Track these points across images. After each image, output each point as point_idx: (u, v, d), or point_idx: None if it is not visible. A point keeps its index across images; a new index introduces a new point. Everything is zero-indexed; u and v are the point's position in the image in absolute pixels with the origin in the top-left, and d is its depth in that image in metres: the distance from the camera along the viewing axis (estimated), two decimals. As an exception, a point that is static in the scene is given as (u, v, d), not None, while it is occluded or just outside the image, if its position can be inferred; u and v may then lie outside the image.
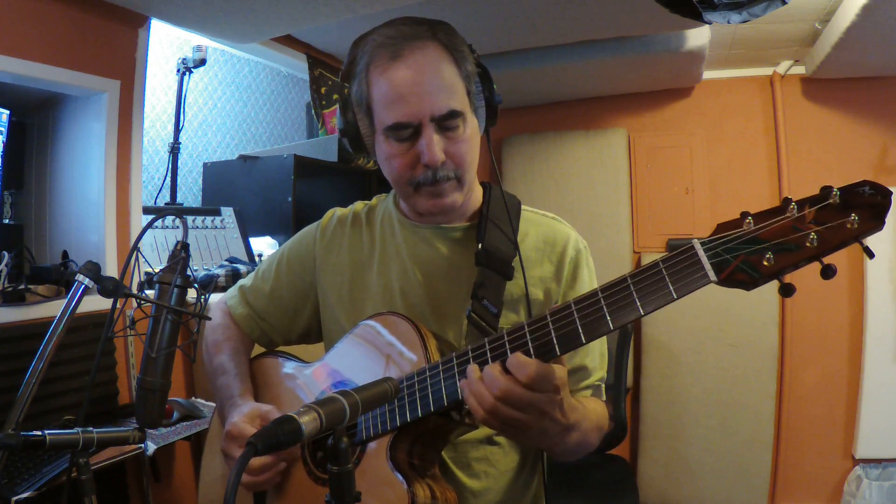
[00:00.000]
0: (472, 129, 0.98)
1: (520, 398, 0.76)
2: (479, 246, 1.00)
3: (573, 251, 1.05)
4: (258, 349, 1.24)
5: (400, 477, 0.87)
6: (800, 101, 3.02)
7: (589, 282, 1.06)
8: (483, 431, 1.00)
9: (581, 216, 3.16)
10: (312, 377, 1.07)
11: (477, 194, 1.09)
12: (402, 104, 0.92)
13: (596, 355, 1.05)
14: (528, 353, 0.80)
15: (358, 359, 1.00)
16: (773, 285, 0.68)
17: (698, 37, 2.43)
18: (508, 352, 0.82)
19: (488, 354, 0.83)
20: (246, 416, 0.99)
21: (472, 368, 0.80)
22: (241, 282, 1.25)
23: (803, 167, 3.00)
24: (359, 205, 1.19)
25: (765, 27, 2.47)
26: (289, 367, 1.13)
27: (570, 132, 3.25)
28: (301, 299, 1.17)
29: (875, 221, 0.62)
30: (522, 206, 1.10)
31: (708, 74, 3.03)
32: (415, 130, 0.94)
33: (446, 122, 0.94)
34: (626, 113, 3.25)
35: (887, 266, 2.82)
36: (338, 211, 1.19)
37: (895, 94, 2.86)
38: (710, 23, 1.53)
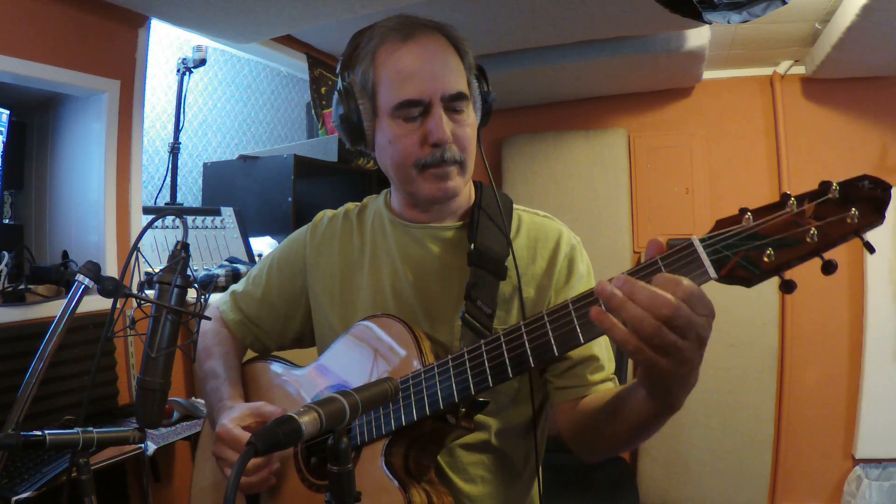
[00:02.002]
0: (473, 118, 1.00)
1: (688, 319, 0.65)
2: (472, 246, 0.99)
3: (567, 247, 1.04)
4: (250, 354, 1.23)
5: (395, 481, 0.86)
6: (800, 101, 3.02)
7: (587, 276, 1.05)
8: (478, 437, 1.00)
9: (581, 216, 3.15)
10: (305, 381, 1.07)
11: (469, 193, 1.09)
12: (414, 82, 0.93)
13: (603, 347, 1.01)
14: (524, 355, 0.79)
15: (351, 361, 0.99)
16: (774, 285, 0.68)
17: (698, 37, 2.43)
18: (505, 353, 0.81)
19: (484, 356, 0.83)
20: (236, 417, 0.98)
21: (610, 291, 0.67)
22: (232, 287, 1.25)
23: (803, 167, 3.00)
24: (349, 205, 1.18)
25: (765, 27, 2.47)
26: (281, 370, 1.13)
27: (570, 132, 3.25)
28: (293, 303, 1.16)
29: (875, 215, 0.62)
30: (514, 205, 1.09)
31: (708, 74, 3.03)
32: (424, 109, 0.94)
33: (454, 102, 0.95)
34: (626, 113, 3.25)
35: (887, 266, 2.82)
36: (328, 212, 1.18)
37: (895, 94, 2.87)
38: (710, 23, 1.53)
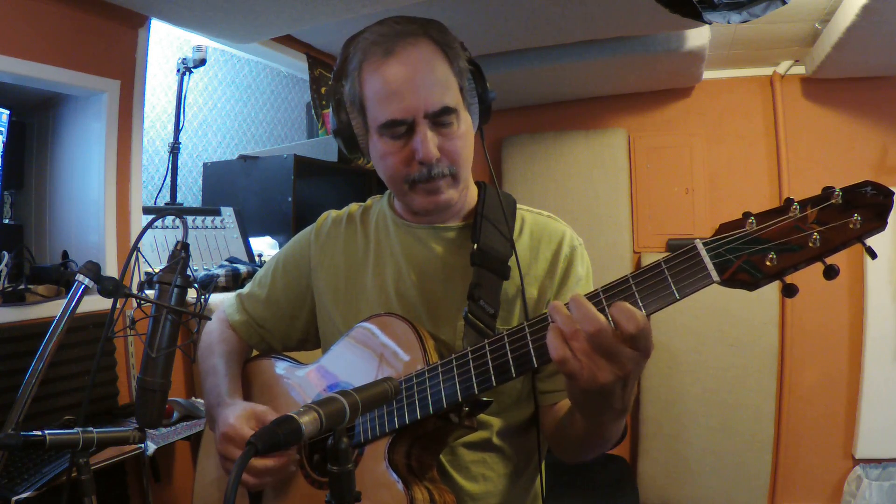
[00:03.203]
0: (466, 126, 0.98)
1: (611, 344, 0.69)
2: (475, 246, 0.99)
3: (568, 249, 1.04)
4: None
5: (398, 480, 0.86)
6: (800, 101, 3.02)
7: (586, 278, 1.05)
8: (480, 435, 1.00)
9: (581, 216, 3.16)
10: (309, 379, 1.07)
11: (472, 193, 1.09)
12: (396, 101, 0.92)
13: None
14: (528, 355, 0.79)
15: (355, 360, 1.00)
16: (774, 285, 0.68)
17: (698, 37, 2.43)
18: (509, 353, 0.81)
19: (488, 356, 0.83)
20: (242, 416, 0.98)
21: (557, 305, 0.73)
22: (238, 290, 1.26)
23: (803, 167, 3.00)
24: (353, 206, 1.19)
25: (765, 27, 2.47)
26: (285, 368, 1.13)
27: (570, 132, 3.25)
28: (298, 303, 1.17)
29: (877, 221, 0.62)
30: (517, 205, 1.10)
31: (708, 74, 3.03)
32: (409, 127, 0.93)
33: (440, 118, 0.94)
34: (626, 113, 3.25)
35: (887, 266, 2.82)
36: (332, 213, 1.19)
37: (895, 94, 2.87)
38: (710, 23, 1.53)
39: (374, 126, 0.96)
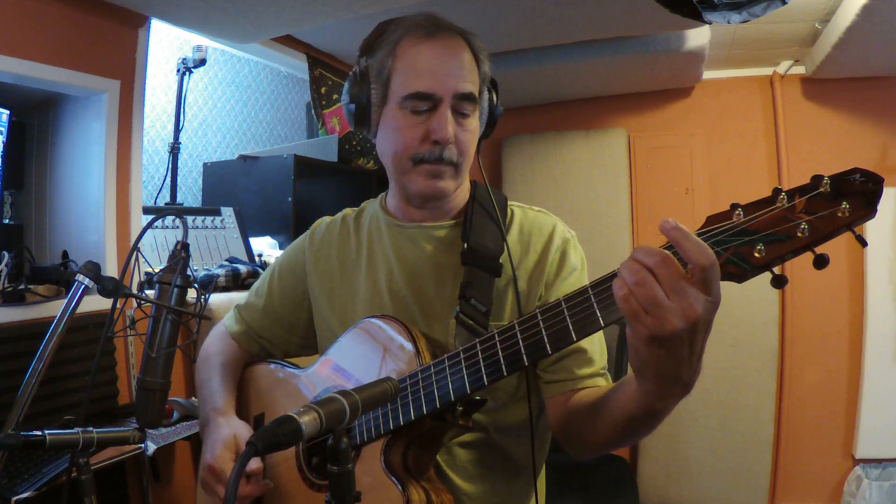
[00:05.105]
0: (476, 125, 1.01)
1: (676, 279, 0.62)
2: (465, 245, 1.00)
3: (560, 240, 1.04)
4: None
5: (395, 480, 0.87)
6: (800, 101, 3.02)
7: (581, 267, 1.04)
8: (477, 435, 1.00)
9: (581, 216, 3.16)
10: (305, 382, 1.07)
11: (464, 192, 1.10)
12: (429, 76, 0.95)
13: (595, 343, 1.00)
14: (518, 353, 0.80)
15: (349, 363, 1.00)
16: (770, 284, 0.67)
17: (698, 37, 2.43)
18: (500, 351, 0.81)
19: (479, 355, 0.83)
20: (228, 447, 0.98)
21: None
22: (236, 303, 1.27)
23: (803, 167, 3.00)
24: (347, 211, 1.20)
25: (765, 27, 2.47)
26: (281, 372, 1.13)
27: (570, 132, 3.25)
28: (295, 310, 1.17)
29: (867, 209, 0.61)
30: (508, 202, 1.10)
31: (708, 74, 3.03)
32: (433, 105, 0.96)
33: (463, 103, 0.97)
34: (626, 113, 3.25)
35: (887, 266, 2.82)
36: (326, 218, 1.21)
37: (895, 94, 2.87)
38: (710, 23, 1.53)
39: (397, 98, 0.97)
